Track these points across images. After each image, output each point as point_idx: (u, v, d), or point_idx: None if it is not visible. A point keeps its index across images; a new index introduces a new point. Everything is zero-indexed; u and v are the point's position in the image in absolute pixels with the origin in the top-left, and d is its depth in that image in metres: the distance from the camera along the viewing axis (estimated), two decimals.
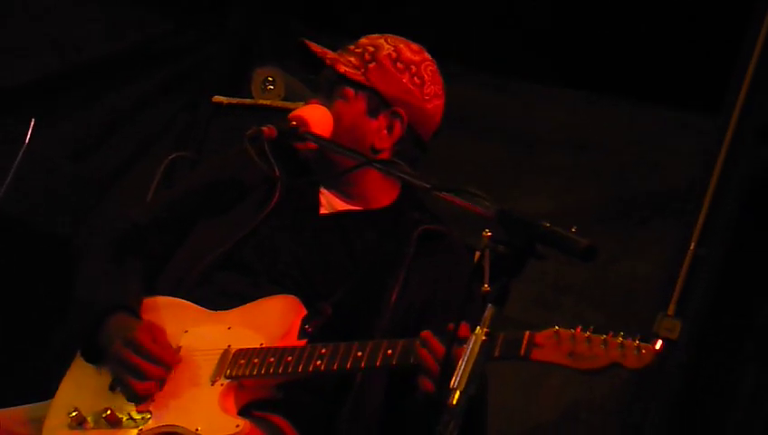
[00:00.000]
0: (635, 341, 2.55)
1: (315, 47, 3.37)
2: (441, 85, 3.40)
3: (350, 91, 3.34)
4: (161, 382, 3.07)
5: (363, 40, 3.40)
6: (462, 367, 2.34)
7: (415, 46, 3.40)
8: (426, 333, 2.83)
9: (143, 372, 3.04)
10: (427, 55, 3.40)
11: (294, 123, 3.24)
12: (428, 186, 2.73)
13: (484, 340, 2.35)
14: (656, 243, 4.96)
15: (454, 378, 2.34)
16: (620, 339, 2.56)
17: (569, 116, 5.26)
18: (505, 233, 2.38)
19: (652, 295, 4.86)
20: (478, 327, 2.35)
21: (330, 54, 3.37)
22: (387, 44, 3.37)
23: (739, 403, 4.67)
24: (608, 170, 5.15)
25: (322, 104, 3.35)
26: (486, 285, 2.36)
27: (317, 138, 3.24)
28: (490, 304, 2.35)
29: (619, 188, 5.12)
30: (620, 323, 4.76)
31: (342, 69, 3.34)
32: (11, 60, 5.71)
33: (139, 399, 3.05)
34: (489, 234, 2.38)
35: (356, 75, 3.33)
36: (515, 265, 2.36)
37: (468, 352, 2.35)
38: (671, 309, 4.69)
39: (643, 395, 4.78)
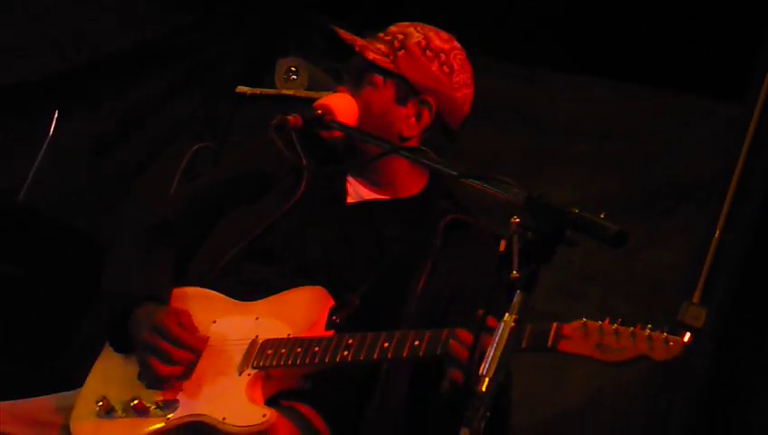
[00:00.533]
0: (663, 333, 2.55)
1: (345, 34, 3.37)
2: (470, 74, 3.40)
3: (379, 78, 3.34)
4: (189, 371, 3.07)
5: (393, 28, 3.41)
6: (491, 354, 2.33)
7: (444, 35, 3.39)
8: (458, 330, 2.81)
9: (169, 355, 3.05)
10: (457, 44, 3.40)
11: (320, 112, 3.24)
12: (456, 173, 2.72)
13: (513, 327, 2.34)
14: (681, 232, 4.95)
15: (483, 365, 2.33)
16: (648, 331, 2.56)
17: (593, 106, 5.25)
18: (534, 220, 2.37)
19: (677, 284, 4.86)
20: (507, 314, 2.34)
21: (359, 42, 3.36)
22: (416, 32, 3.37)
23: (764, 391, 4.66)
24: (632, 160, 5.15)
25: (350, 92, 3.35)
26: (515, 272, 2.35)
27: (342, 126, 3.24)
28: (519, 291, 2.34)
29: (643, 177, 5.11)
30: (645, 311, 4.82)
31: (371, 56, 3.33)
32: (33, 55, 5.74)
33: (165, 385, 3.05)
34: (518, 220, 2.37)
35: (385, 63, 3.33)
36: (545, 252, 2.35)
37: (497, 340, 2.34)
38: (696, 297, 4.68)
39: (668, 383, 4.78)
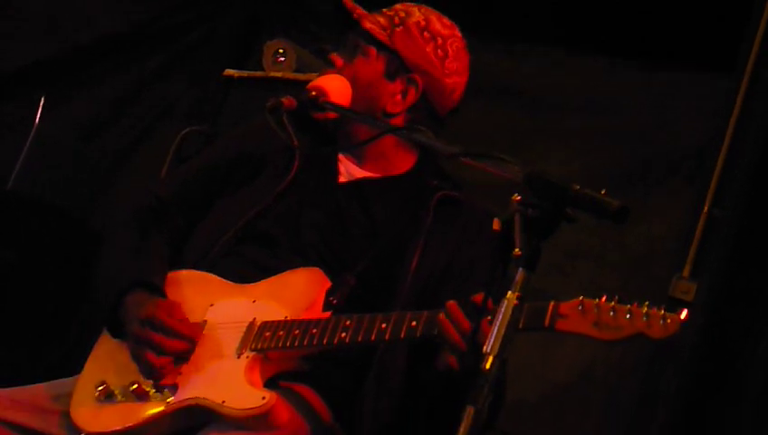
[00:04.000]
0: (660, 310, 2.55)
1: (347, 2, 3.37)
2: (465, 65, 3.40)
3: (373, 49, 3.34)
4: (187, 355, 3.07)
5: (398, 5, 3.42)
6: (494, 332, 2.33)
7: (447, 21, 3.40)
8: (451, 304, 2.81)
9: (162, 346, 3.05)
10: (458, 33, 3.40)
11: (314, 93, 3.24)
12: (456, 151, 2.72)
13: (515, 304, 2.34)
14: (670, 206, 4.95)
15: (486, 343, 2.33)
16: (645, 309, 2.56)
17: (581, 81, 5.24)
18: (534, 196, 2.37)
19: (667, 258, 4.86)
20: (509, 291, 2.34)
21: (359, 10, 3.37)
22: (418, 13, 3.37)
23: (756, 364, 4.67)
24: (621, 134, 5.14)
25: (343, 60, 3.36)
26: (517, 249, 2.35)
27: (337, 107, 3.24)
28: (521, 268, 2.34)
29: (632, 151, 5.11)
30: (635, 286, 4.82)
31: (368, 26, 3.34)
32: (15, 43, 5.71)
33: (161, 374, 3.05)
34: (519, 198, 2.37)
35: (381, 35, 3.34)
36: (546, 229, 2.35)
37: (501, 317, 2.34)
38: (686, 271, 4.69)
39: (659, 357, 4.78)
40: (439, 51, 3.33)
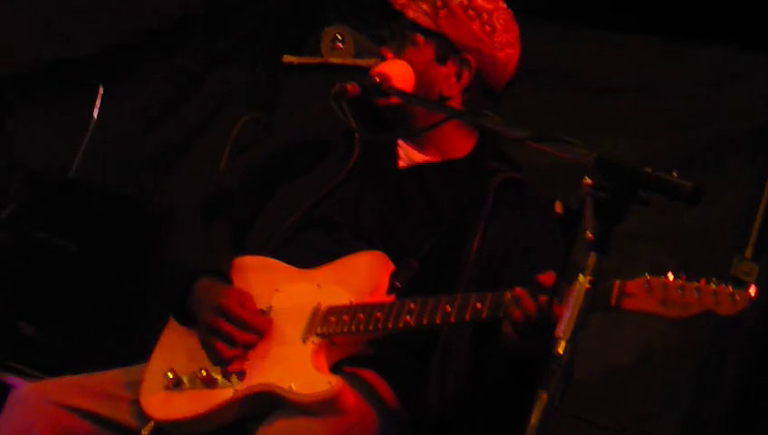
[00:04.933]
0: (728, 287, 2.53)
1: None
2: (515, 35, 3.38)
3: (420, 37, 3.34)
4: (255, 345, 3.09)
5: None
6: (567, 316, 2.33)
7: None
8: (519, 291, 2.80)
9: (234, 338, 3.07)
10: (502, 4, 3.39)
11: (378, 79, 3.23)
12: (524, 135, 2.71)
13: (588, 288, 2.33)
14: (730, 186, 4.92)
15: (558, 327, 2.33)
16: (713, 286, 2.55)
17: (639, 61, 5.21)
18: (605, 180, 2.35)
19: (728, 239, 4.83)
20: (581, 275, 2.34)
21: (401, 0, 3.36)
22: None
23: None
24: (678, 115, 5.11)
25: (393, 53, 3.36)
26: (589, 233, 2.34)
27: (400, 92, 3.23)
28: (593, 252, 2.34)
29: (690, 132, 5.08)
30: (696, 268, 4.75)
31: (411, 14, 3.34)
32: (76, 29, 5.74)
33: (229, 363, 3.07)
34: (589, 181, 2.36)
35: (426, 21, 3.33)
36: (617, 212, 2.34)
37: (573, 301, 2.33)
38: (748, 252, 4.66)
39: (720, 339, 4.77)
40: (486, 26, 3.32)
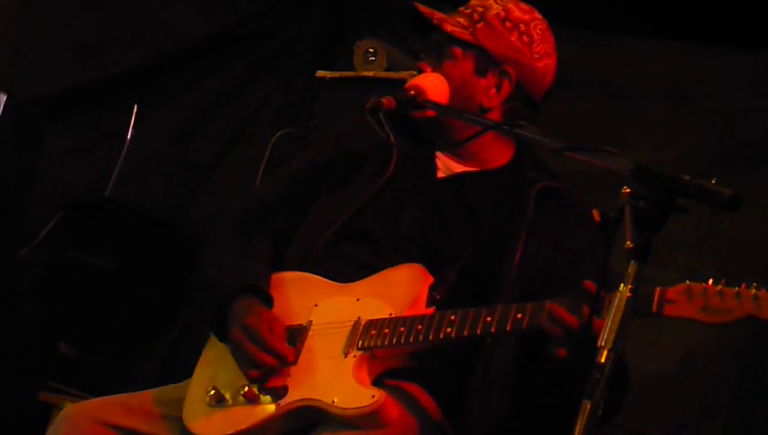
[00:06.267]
0: None
1: (423, 8, 3.39)
2: (552, 45, 3.40)
3: (458, 50, 3.35)
4: (295, 357, 3.09)
5: (473, 1, 3.42)
6: (608, 325, 2.33)
7: (525, 6, 3.40)
8: (552, 307, 2.81)
9: (254, 359, 3.07)
10: (538, 15, 3.40)
11: (412, 92, 3.24)
12: (561, 146, 2.71)
13: (629, 296, 2.34)
14: (765, 191, 4.90)
15: (601, 336, 2.33)
16: (754, 290, 2.54)
17: (669, 67, 5.22)
18: (643, 189, 2.36)
19: (764, 244, 4.82)
20: (622, 284, 2.34)
21: (437, 15, 3.38)
22: (496, 4, 3.37)
23: None
24: (711, 120, 5.11)
25: (431, 67, 3.36)
26: (629, 242, 2.34)
27: (436, 105, 3.24)
28: (633, 261, 2.34)
29: (723, 137, 5.08)
30: (733, 273, 4.75)
31: (449, 28, 3.35)
32: (106, 51, 5.78)
33: (267, 375, 3.07)
34: (628, 190, 2.36)
35: (463, 34, 3.34)
36: (657, 221, 2.34)
37: (614, 310, 2.34)
38: None
39: (759, 346, 4.74)
40: (524, 37, 3.34)
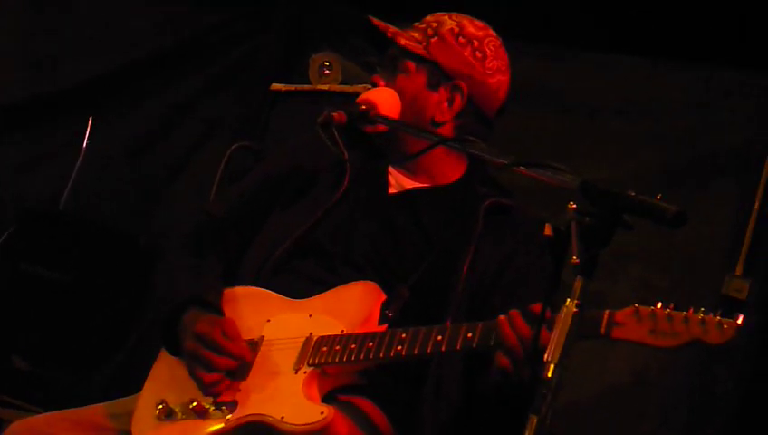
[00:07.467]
0: (716, 316, 2.54)
1: (378, 22, 3.41)
2: (505, 61, 3.41)
3: (412, 64, 3.36)
4: (238, 373, 3.08)
5: (428, 17, 3.44)
6: (555, 340, 2.34)
7: (479, 23, 3.41)
8: (514, 313, 2.82)
9: (211, 362, 3.06)
10: (492, 32, 3.42)
11: (364, 107, 3.25)
12: (507, 162, 2.72)
13: (575, 312, 2.34)
14: (718, 205, 4.94)
15: (547, 352, 2.34)
16: (701, 315, 2.56)
17: (626, 82, 5.24)
18: (590, 204, 2.37)
19: (718, 257, 4.85)
20: (569, 300, 2.35)
21: (392, 29, 3.40)
22: (450, 20, 3.39)
23: None
24: (666, 135, 5.14)
25: (384, 81, 3.37)
26: (575, 257, 2.35)
27: (387, 120, 3.25)
28: (579, 276, 2.35)
29: (678, 151, 5.10)
30: (687, 286, 4.80)
31: (403, 42, 3.36)
32: (62, 63, 5.76)
33: (214, 391, 3.07)
34: (574, 206, 2.37)
35: (417, 48, 3.36)
36: (602, 236, 2.35)
37: (561, 326, 2.34)
38: (739, 269, 4.68)
39: (713, 357, 4.77)
40: (477, 53, 3.35)
